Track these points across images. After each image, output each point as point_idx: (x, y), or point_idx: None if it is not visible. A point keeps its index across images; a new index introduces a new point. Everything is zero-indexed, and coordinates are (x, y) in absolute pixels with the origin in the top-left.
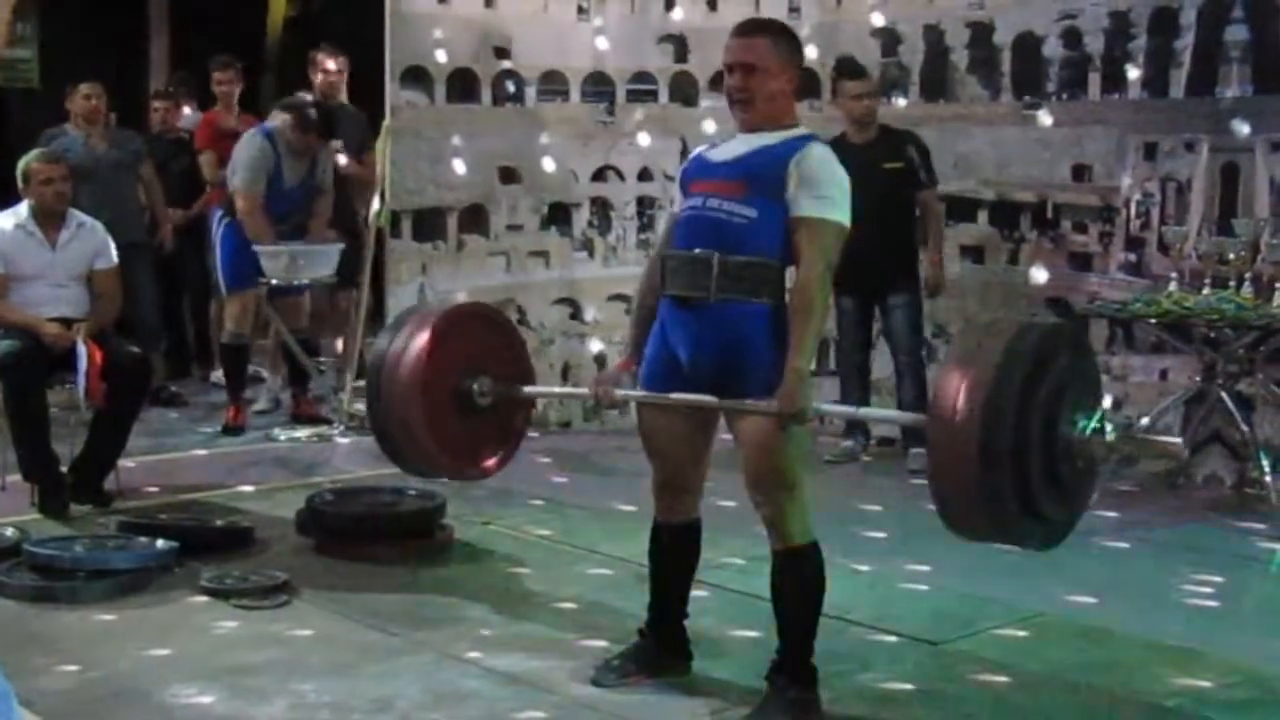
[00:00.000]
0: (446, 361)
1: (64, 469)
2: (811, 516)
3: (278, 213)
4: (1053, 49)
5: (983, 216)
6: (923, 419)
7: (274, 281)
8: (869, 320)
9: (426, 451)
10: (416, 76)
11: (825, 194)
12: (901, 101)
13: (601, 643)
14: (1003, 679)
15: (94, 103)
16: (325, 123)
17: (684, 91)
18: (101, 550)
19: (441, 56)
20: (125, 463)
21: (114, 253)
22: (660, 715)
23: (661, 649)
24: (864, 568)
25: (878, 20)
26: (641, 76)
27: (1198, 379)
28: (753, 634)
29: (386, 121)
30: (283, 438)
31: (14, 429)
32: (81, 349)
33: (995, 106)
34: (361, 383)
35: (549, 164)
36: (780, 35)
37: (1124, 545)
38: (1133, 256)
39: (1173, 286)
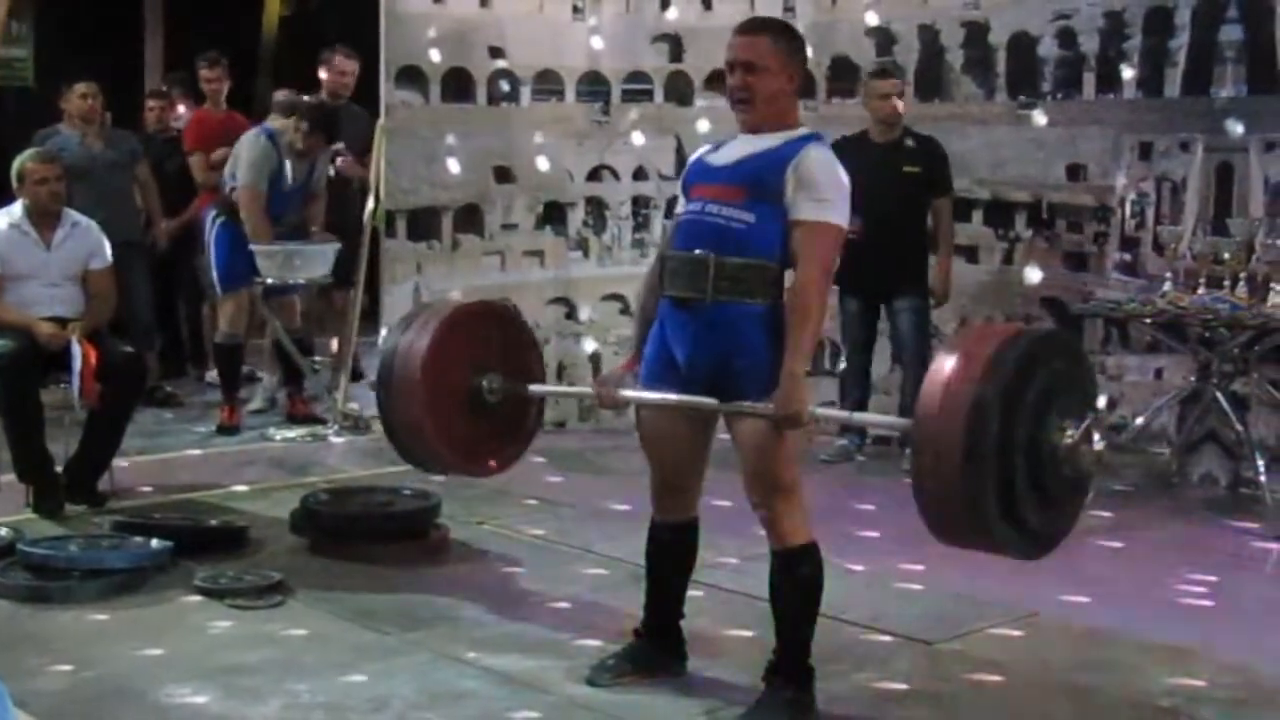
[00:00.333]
0: (455, 358)
1: (58, 469)
2: (808, 517)
3: (276, 213)
4: (1048, 49)
5: (977, 216)
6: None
7: (269, 281)
8: (873, 322)
9: (434, 448)
10: (411, 76)
11: (823, 197)
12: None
13: (596, 642)
14: (997, 678)
15: (90, 102)
16: (330, 125)
17: (679, 91)
18: (96, 550)
19: (436, 56)
20: (120, 462)
21: (109, 252)
22: (655, 715)
23: (657, 649)
24: (858, 567)
25: (872, 20)
26: (636, 76)
27: (1193, 379)
28: (747, 634)
29: (381, 121)
30: (277, 437)
31: (8, 429)
32: (76, 349)
33: (990, 106)
34: (356, 383)
35: (544, 163)
36: (782, 34)
37: (1118, 544)
38: (1128, 256)
39: (1168, 286)
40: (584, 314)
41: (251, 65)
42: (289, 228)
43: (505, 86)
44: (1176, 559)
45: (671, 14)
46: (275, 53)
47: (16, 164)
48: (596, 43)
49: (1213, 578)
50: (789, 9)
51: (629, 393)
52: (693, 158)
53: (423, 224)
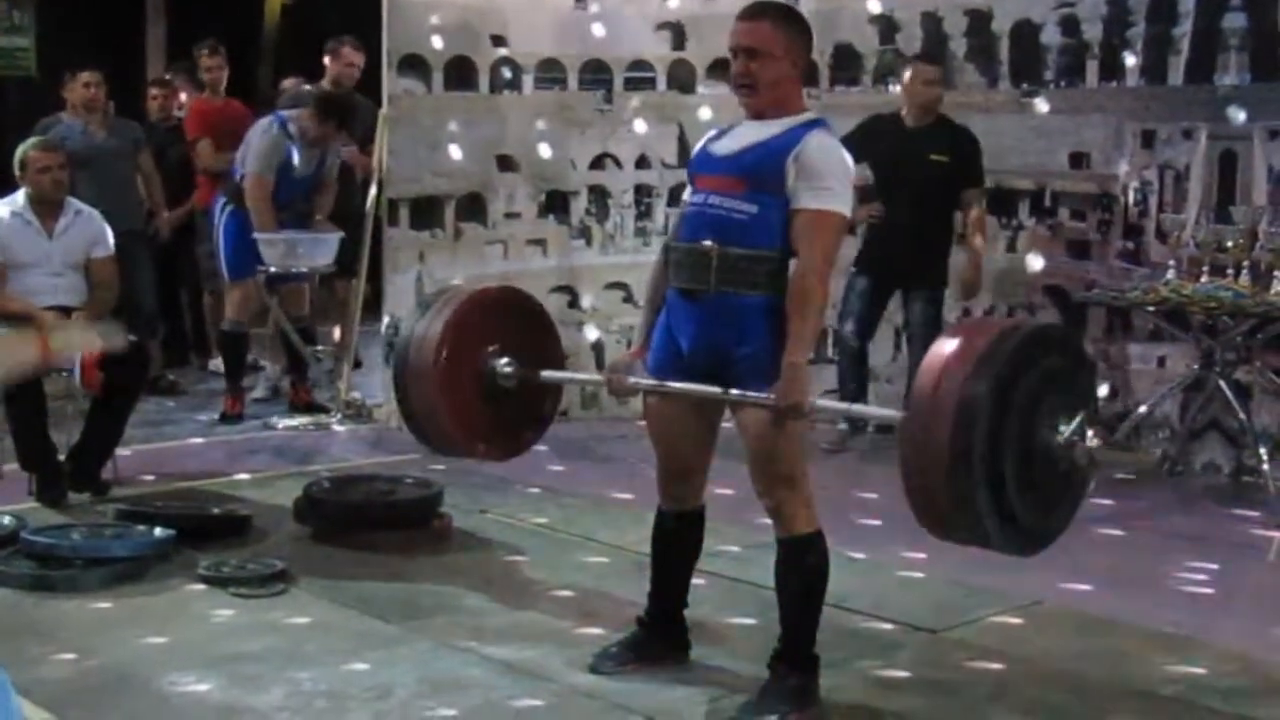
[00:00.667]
0: (470, 344)
1: (61, 457)
2: (813, 505)
3: (283, 201)
4: (1051, 36)
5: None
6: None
7: (272, 269)
8: (879, 307)
9: (449, 433)
10: (413, 64)
11: (824, 185)
12: (898, 89)
13: (599, 631)
14: (999, 666)
15: (94, 91)
16: (343, 114)
17: (681, 79)
18: (99, 538)
19: (438, 44)
20: (122, 451)
21: (111, 241)
22: (659, 703)
23: (660, 637)
24: (861, 556)
25: (875, 7)
26: (639, 64)
27: (1195, 367)
28: (750, 622)
29: (384, 110)
30: (280, 426)
31: (11, 418)
32: None
33: (993, 94)
34: (357, 370)
35: (546, 152)
36: (786, 19)
37: (1121, 533)
38: (1131, 244)
39: (1170, 274)
40: (586, 302)
41: (254, 53)
42: (294, 216)
43: (508, 75)
44: (1179, 547)
45: (674, 2)
46: (277, 41)
47: (19, 152)
48: (599, 30)
49: (1215, 566)
50: None
51: (637, 380)
52: (699, 144)
53: (425, 213)
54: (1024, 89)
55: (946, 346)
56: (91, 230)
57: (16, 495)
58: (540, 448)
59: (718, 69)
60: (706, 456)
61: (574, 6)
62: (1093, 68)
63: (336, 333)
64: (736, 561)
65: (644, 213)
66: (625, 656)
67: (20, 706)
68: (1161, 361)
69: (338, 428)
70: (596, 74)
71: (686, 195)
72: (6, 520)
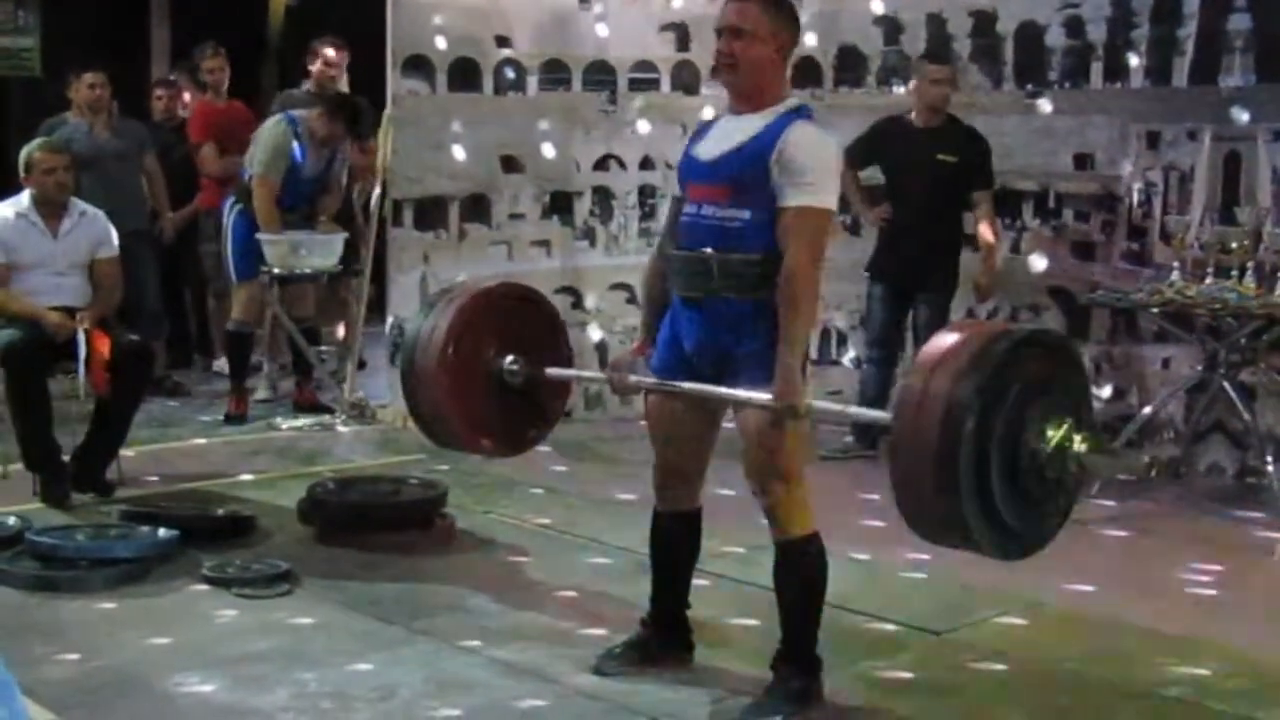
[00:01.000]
0: (477, 340)
1: (66, 458)
2: (811, 507)
3: (290, 202)
4: (1055, 37)
5: None
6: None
7: (276, 270)
8: (900, 314)
9: (454, 429)
10: (417, 65)
11: (805, 181)
12: (902, 90)
13: (603, 631)
14: (1003, 668)
15: (98, 92)
16: (353, 115)
17: (686, 80)
18: (103, 539)
19: (443, 45)
20: (126, 452)
21: (115, 241)
22: (662, 704)
23: (664, 638)
24: (864, 556)
25: (879, 8)
26: (643, 65)
27: (1200, 368)
28: (754, 623)
29: (388, 110)
30: (284, 426)
31: (16, 418)
32: (82, 338)
33: (997, 95)
34: (362, 371)
35: (550, 153)
36: (776, 4)
37: (1124, 534)
38: (1135, 245)
39: (1175, 275)
40: (590, 303)
41: (257, 54)
42: (301, 217)
43: (512, 75)
44: (1183, 549)
45: (678, 3)
46: (281, 42)
47: (24, 153)
48: (603, 31)
49: (1219, 567)
50: None
51: (640, 378)
52: (686, 142)
53: (430, 213)
54: (1028, 90)
55: (937, 346)
56: (96, 231)
57: (21, 496)
58: (544, 448)
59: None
60: (705, 458)
61: (578, 7)
62: (1097, 69)
63: (340, 330)
64: (740, 563)
65: (648, 214)
66: (629, 657)
67: (25, 707)
68: (1166, 363)
69: (342, 428)
70: (600, 75)
71: (678, 190)
72: (11, 521)
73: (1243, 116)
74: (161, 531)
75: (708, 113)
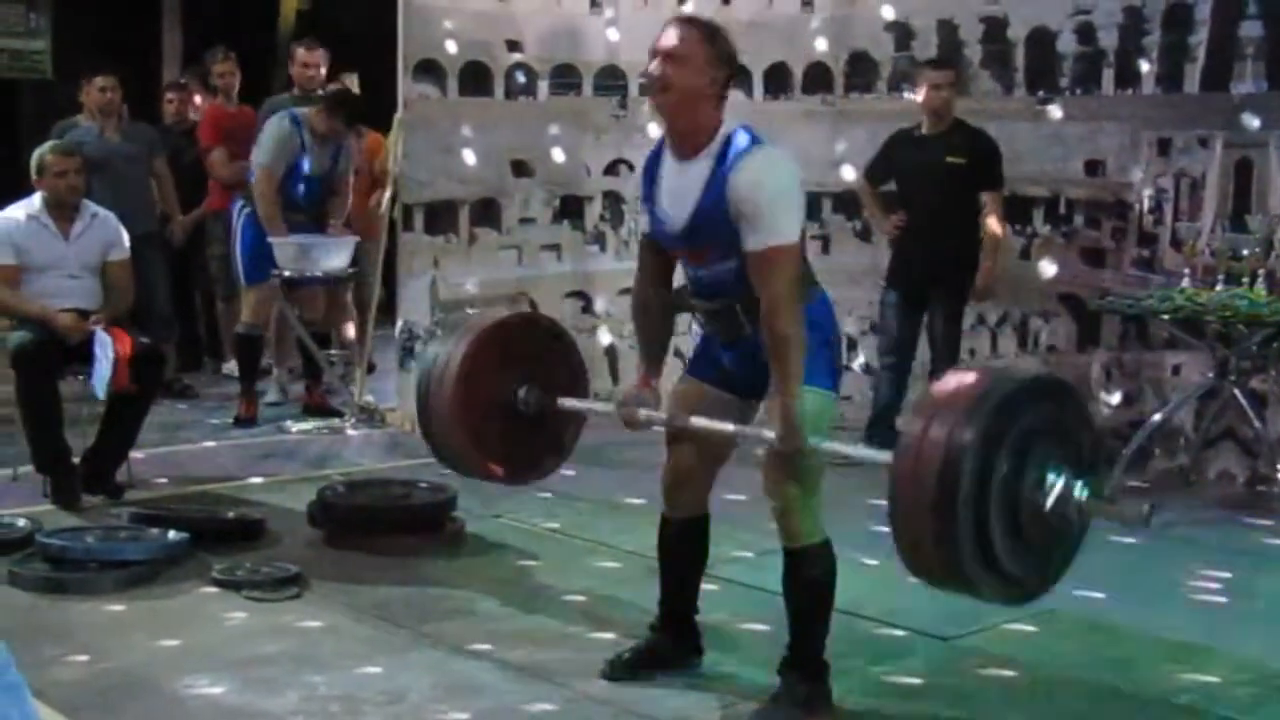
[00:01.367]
0: (491, 371)
1: (76, 460)
2: (821, 516)
3: (297, 201)
4: (1067, 44)
5: None
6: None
7: (286, 273)
8: (914, 320)
9: (467, 457)
10: (428, 69)
11: (762, 222)
12: (912, 96)
13: (612, 636)
14: (1011, 674)
15: (109, 95)
16: (353, 110)
17: None
18: (113, 541)
19: (453, 49)
20: (136, 454)
21: (127, 244)
22: (671, 709)
23: (673, 643)
24: (873, 562)
25: (890, 14)
26: None
27: (1210, 375)
28: (764, 628)
29: (399, 114)
30: (294, 430)
31: (27, 420)
32: (106, 338)
33: (1008, 101)
34: (372, 375)
35: (560, 157)
36: (714, 35)
37: (1134, 541)
38: (1146, 252)
39: (1186, 282)
40: (600, 307)
41: (268, 58)
42: (311, 218)
43: (522, 80)
44: (1193, 556)
45: (689, 8)
46: (291, 46)
47: (36, 156)
48: (614, 36)
49: (1229, 575)
50: (807, 3)
51: (650, 413)
52: (642, 181)
53: (440, 217)
54: (1039, 96)
55: (937, 391)
56: (108, 233)
57: (31, 498)
58: None
59: (733, 77)
60: (718, 465)
61: (589, 12)
62: (1108, 75)
63: (349, 331)
64: (750, 567)
65: None
66: (638, 662)
67: (36, 709)
68: (1176, 370)
69: (351, 431)
70: (611, 80)
71: (650, 241)
72: (21, 523)
73: (1254, 123)
74: (171, 534)
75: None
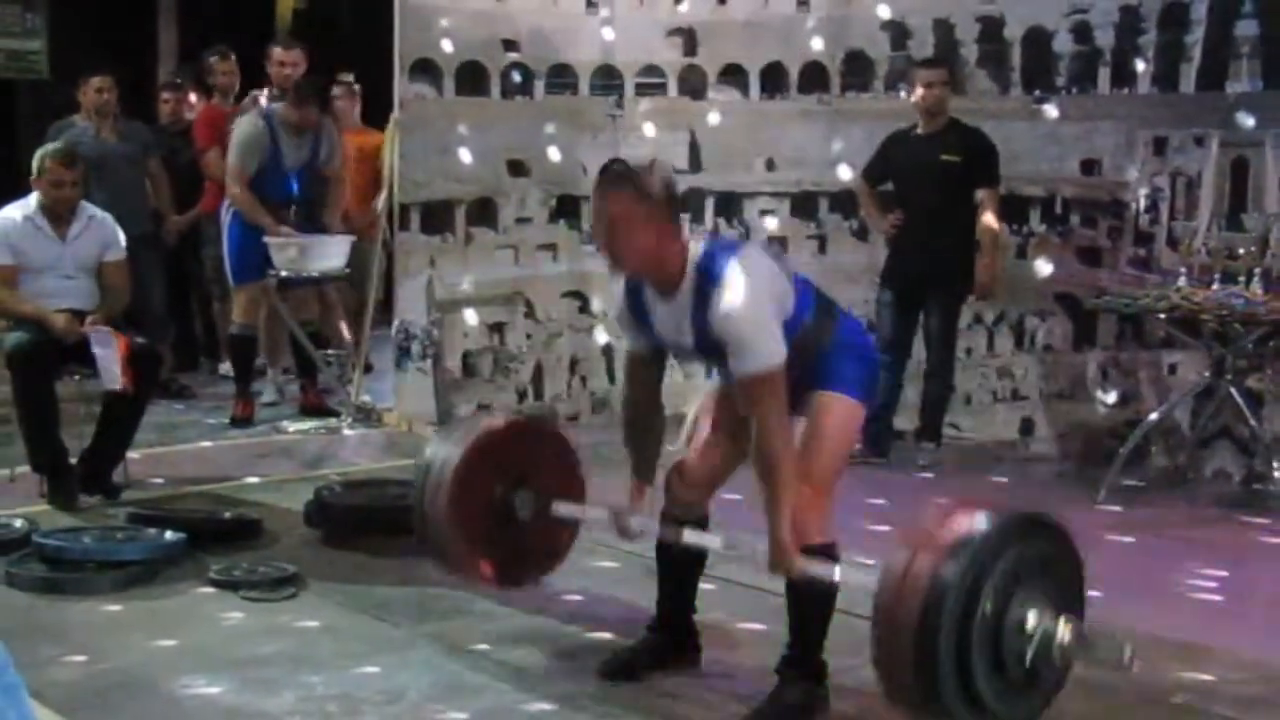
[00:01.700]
0: (488, 474)
1: (73, 460)
2: (830, 520)
3: (279, 198)
4: (1063, 43)
5: None
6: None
7: (284, 273)
8: (910, 320)
9: (461, 560)
10: (425, 69)
11: (743, 350)
12: (908, 95)
13: (609, 635)
14: None
15: (105, 96)
16: (320, 96)
17: (692, 84)
18: (110, 541)
19: (449, 48)
20: (133, 454)
21: (123, 244)
22: (669, 708)
23: (670, 642)
24: (870, 561)
25: (886, 13)
26: (650, 69)
27: (1206, 374)
28: (761, 627)
29: (395, 114)
30: (290, 429)
31: (24, 420)
32: (110, 340)
33: (1004, 100)
34: (369, 375)
35: (557, 156)
36: (642, 186)
37: (1130, 540)
38: (1142, 251)
39: (1182, 281)
40: (597, 306)
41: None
42: (302, 216)
43: (518, 79)
44: (1190, 554)
45: (685, 8)
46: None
47: (39, 156)
48: (610, 35)
49: (1225, 573)
50: (803, 3)
51: (642, 523)
52: (624, 307)
53: (436, 217)
54: (1035, 95)
55: (927, 522)
56: (104, 234)
57: (28, 498)
58: None
59: (729, 75)
60: (722, 472)
61: (585, 11)
62: (1104, 74)
63: (343, 329)
64: (748, 567)
65: None
66: (636, 661)
67: (33, 710)
68: (1173, 369)
69: (348, 431)
70: (607, 79)
71: (632, 338)
72: (18, 523)
73: (1250, 122)
74: (168, 534)
75: (713, 118)
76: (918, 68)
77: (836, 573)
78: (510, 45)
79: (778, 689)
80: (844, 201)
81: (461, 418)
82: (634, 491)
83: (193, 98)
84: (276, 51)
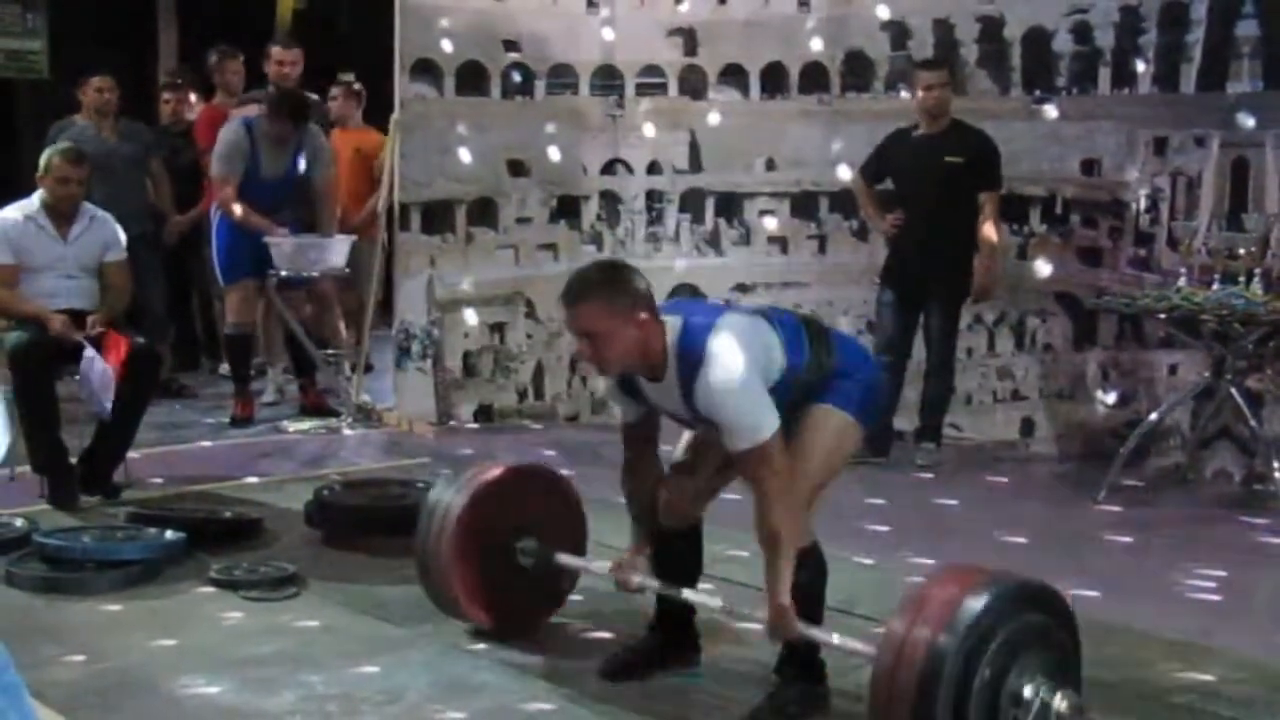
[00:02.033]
0: (490, 521)
1: (73, 460)
2: (810, 521)
3: (261, 205)
4: (1063, 43)
5: None
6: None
7: (283, 273)
8: (910, 320)
9: (461, 607)
10: (425, 69)
11: (734, 427)
12: (907, 95)
13: (609, 635)
14: None
15: (106, 95)
16: (298, 109)
17: (693, 84)
18: (110, 541)
19: (450, 48)
20: (133, 454)
21: (124, 245)
22: (668, 708)
23: (669, 642)
24: (869, 561)
25: (886, 13)
26: (650, 69)
27: (1206, 374)
28: (760, 627)
29: (395, 114)
30: (291, 429)
31: (24, 420)
32: (94, 359)
33: (1005, 101)
34: (369, 375)
35: (557, 156)
36: (611, 290)
37: (1130, 540)
38: (1142, 252)
39: (1182, 281)
40: None
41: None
42: (288, 220)
43: (519, 79)
44: (1189, 554)
45: (685, 7)
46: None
47: (46, 154)
48: (610, 35)
49: (1225, 573)
50: (804, 3)
51: (644, 579)
52: (618, 392)
53: (437, 217)
54: (1035, 96)
55: (925, 591)
56: (105, 234)
57: (28, 498)
58: (549, 452)
59: (729, 75)
60: (719, 488)
61: (585, 11)
62: (1105, 75)
63: (340, 328)
64: (745, 566)
65: (655, 218)
66: (635, 661)
67: (34, 709)
68: (1173, 369)
69: (348, 431)
70: (608, 79)
71: (640, 434)
72: (19, 522)
73: (1250, 122)
74: (168, 534)
75: (714, 118)
76: (918, 69)
77: (835, 638)
78: (510, 45)
79: (777, 688)
80: (844, 201)
81: (465, 465)
82: (634, 549)
83: (193, 98)
84: (276, 51)
